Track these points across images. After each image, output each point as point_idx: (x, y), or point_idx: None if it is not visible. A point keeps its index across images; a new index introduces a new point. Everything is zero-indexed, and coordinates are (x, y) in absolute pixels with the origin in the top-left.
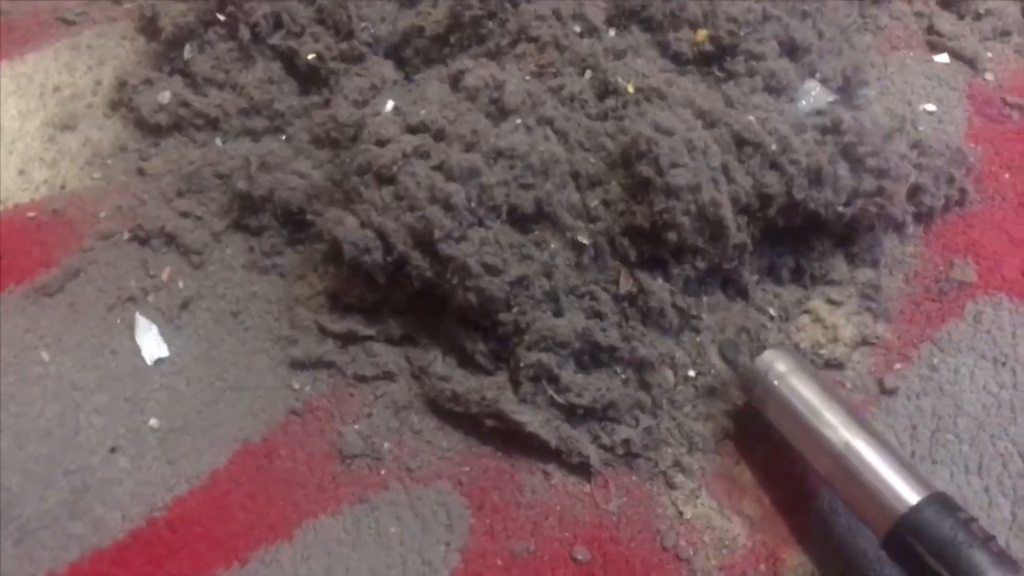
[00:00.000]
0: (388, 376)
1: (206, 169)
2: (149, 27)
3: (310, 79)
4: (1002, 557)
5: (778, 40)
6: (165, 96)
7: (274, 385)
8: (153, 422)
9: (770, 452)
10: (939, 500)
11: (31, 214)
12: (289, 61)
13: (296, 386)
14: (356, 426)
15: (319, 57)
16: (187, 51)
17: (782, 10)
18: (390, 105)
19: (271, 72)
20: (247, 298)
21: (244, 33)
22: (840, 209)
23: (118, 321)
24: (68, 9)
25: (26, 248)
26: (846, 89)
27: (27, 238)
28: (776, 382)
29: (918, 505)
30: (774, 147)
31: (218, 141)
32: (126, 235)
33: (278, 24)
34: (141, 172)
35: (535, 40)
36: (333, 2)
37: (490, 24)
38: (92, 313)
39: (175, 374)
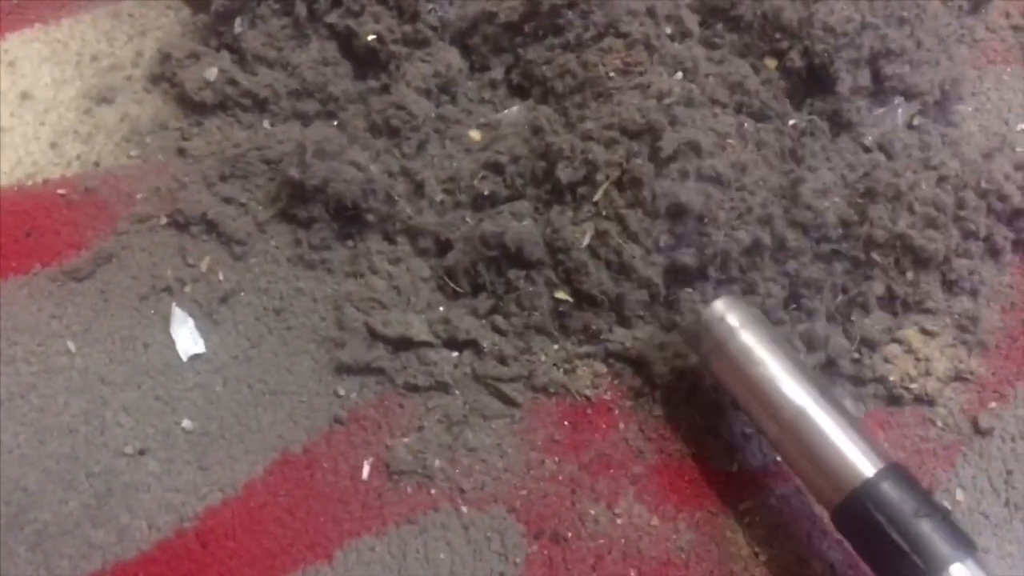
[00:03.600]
0: (442, 387)
1: (252, 153)
2: None
3: (368, 62)
4: (960, 533)
5: (873, 50)
6: (211, 72)
7: (317, 390)
8: (186, 423)
9: None
10: (896, 471)
11: (62, 191)
12: (346, 42)
13: (342, 392)
14: (405, 440)
15: (379, 39)
16: (237, 25)
17: (880, 16)
18: None
19: (326, 52)
20: (292, 294)
21: (300, 9)
22: (936, 234)
23: (151, 312)
24: None
25: (55, 227)
26: (942, 104)
27: (57, 217)
28: (727, 335)
29: (875, 475)
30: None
31: (266, 123)
32: (163, 219)
33: (336, 1)
34: (182, 152)
35: (624, 36)
36: None
37: (570, 14)
38: (124, 302)
39: (211, 372)
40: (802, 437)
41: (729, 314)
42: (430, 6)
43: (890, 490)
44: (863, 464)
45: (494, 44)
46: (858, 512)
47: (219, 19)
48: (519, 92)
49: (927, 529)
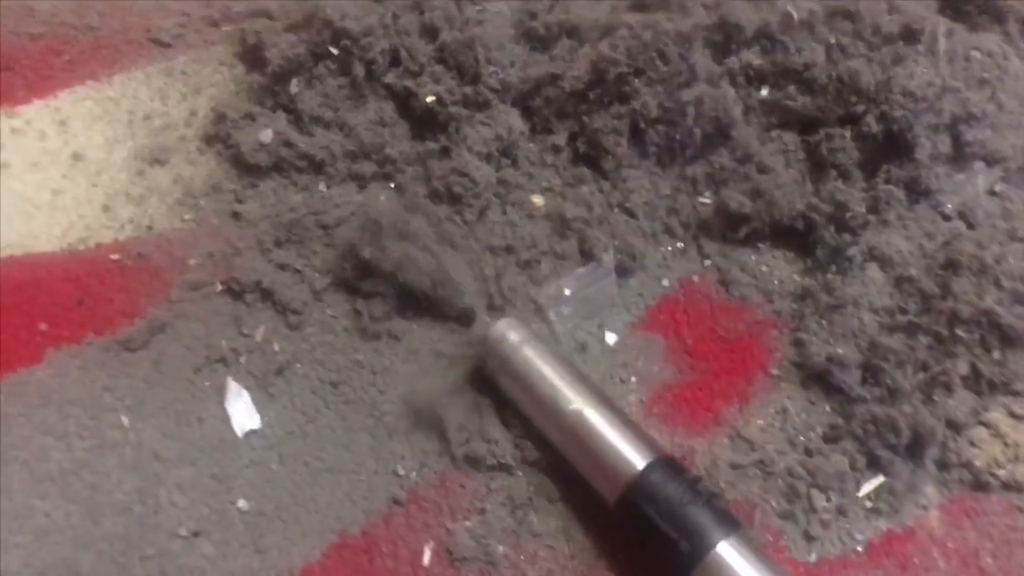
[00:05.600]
0: (505, 468)
1: (308, 218)
2: (251, 56)
3: (426, 123)
4: (725, 514)
5: (953, 115)
6: (267, 134)
7: (376, 469)
8: (241, 503)
9: None
10: (664, 463)
11: (115, 256)
12: (404, 102)
13: (401, 472)
14: (467, 523)
15: (439, 100)
16: (293, 86)
17: (960, 79)
18: None
19: (383, 113)
20: (349, 367)
21: (358, 69)
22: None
23: (206, 384)
24: (163, 29)
25: (108, 295)
26: None
27: (110, 283)
28: (510, 352)
29: (645, 469)
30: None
31: (322, 186)
32: (218, 287)
33: (395, 61)
34: (236, 216)
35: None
36: (458, 41)
37: (636, 82)
38: (178, 374)
39: (267, 449)
40: (581, 441)
41: (511, 332)
42: (492, 68)
43: (658, 482)
44: (634, 459)
45: (557, 108)
46: (632, 506)
47: (275, 79)
48: (585, 160)
49: (693, 514)
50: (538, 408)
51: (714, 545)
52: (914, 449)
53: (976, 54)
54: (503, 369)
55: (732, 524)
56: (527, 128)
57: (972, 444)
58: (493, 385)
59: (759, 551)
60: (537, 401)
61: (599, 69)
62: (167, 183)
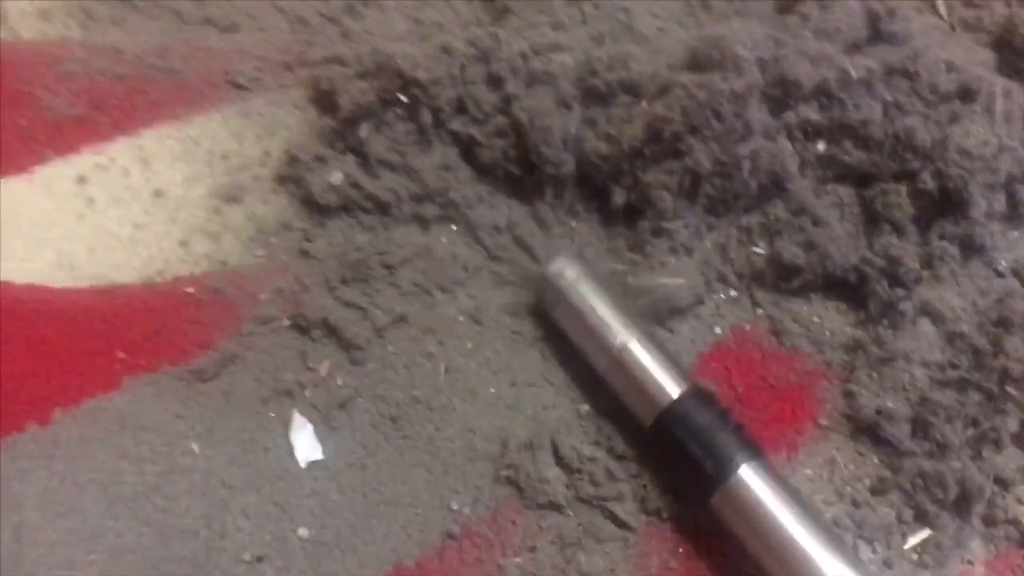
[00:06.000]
0: (555, 507)
1: (373, 257)
2: (324, 100)
3: (488, 169)
4: (750, 443)
5: (1009, 174)
6: (337, 176)
7: (431, 503)
8: (302, 532)
9: None
10: (698, 394)
11: (190, 290)
12: (468, 148)
13: (455, 507)
14: (518, 559)
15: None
16: (363, 130)
17: (1017, 138)
18: None
19: (448, 158)
20: (408, 403)
21: (425, 116)
22: None
23: (272, 415)
24: (241, 73)
25: (183, 327)
26: None
27: (185, 316)
28: (565, 287)
29: (679, 397)
30: None
31: (386, 228)
32: (286, 322)
33: (461, 109)
34: (304, 253)
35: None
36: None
37: (691, 140)
38: (246, 404)
39: (328, 480)
40: (624, 370)
41: (568, 269)
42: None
43: (690, 409)
44: (671, 388)
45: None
46: (665, 429)
47: (346, 124)
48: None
49: (720, 440)
50: (588, 339)
51: (738, 467)
52: (961, 504)
53: None
54: (559, 302)
55: (756, 451)
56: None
57: (1019, 501)
58: (551, 319)
59: (781, 478)
60: (588, 333)
61: (654, 129)
62: (241, 221)
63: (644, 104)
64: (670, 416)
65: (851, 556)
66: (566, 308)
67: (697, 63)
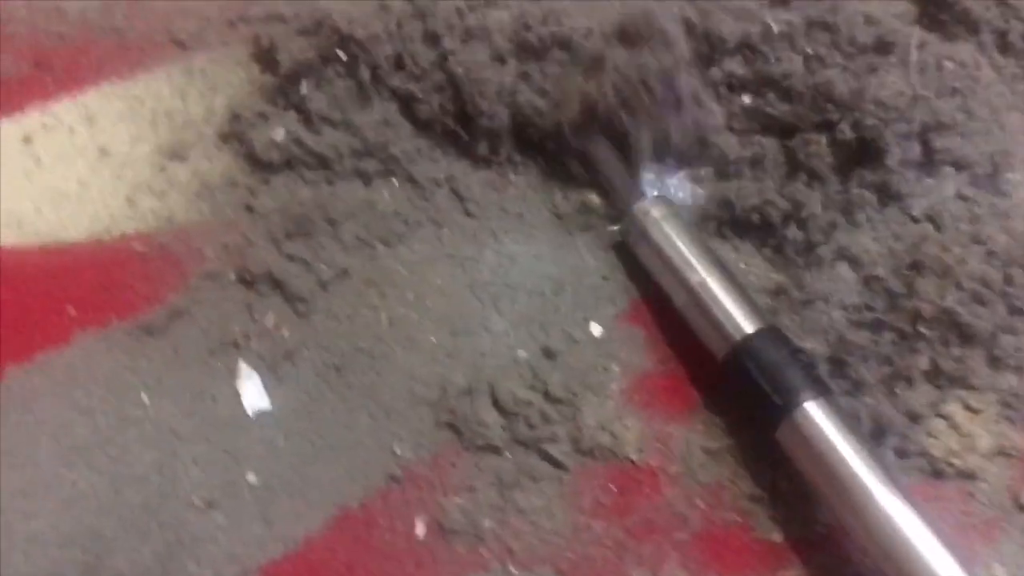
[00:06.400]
0: (493, 449)
1: (316, 213)
2: (265, 58)
3: (427, 123)
4: (818, 380)
5: (923, 123)
6: (279, 133)
7: (375, 448)
8: (251, 477)
9: None
10: (771, 331)
11: (137, 246)
12: (407, 104)
13: (398, 451)
14: (458, 499)
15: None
16: (304, 87)
17: (931, 88)
18: None
19: (388, 114)
20: (351, 353)
21: (364, 73)
22: (983, 310)
23: (220, 367)
24: (183, 30)
25: (131, 283)
26: (992, 174)
27: (133, 271)
28: (650, 226)
29: (752, 333)
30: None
31: (328, 183)
32: (232, 276)
33: (399, 65)
34: (249, 209)
35: None
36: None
37: (623, 114)
38: (194, 357)
39: (274, 427)
40: (702, 304)
41: (654, 209)
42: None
43: (761, 345)
44: (745, 324)
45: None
46: (737, 362)
47: (287, 81)
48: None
49: (788, 374)
50: (668, 275)
51: (803, 402)
52: (876, 438)
53: (949, 64)
54: (643, 240)
55: (824, 389)
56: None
57: (930, 435)
58: (633, 253)
59: (847, 417)
60: (668, 269)
61: (588, 105)
62: (186, 178)
63: (580, 80)
64: (743, 350)
65: (905, 492)
66: (649, 245)
67: (627, 36)
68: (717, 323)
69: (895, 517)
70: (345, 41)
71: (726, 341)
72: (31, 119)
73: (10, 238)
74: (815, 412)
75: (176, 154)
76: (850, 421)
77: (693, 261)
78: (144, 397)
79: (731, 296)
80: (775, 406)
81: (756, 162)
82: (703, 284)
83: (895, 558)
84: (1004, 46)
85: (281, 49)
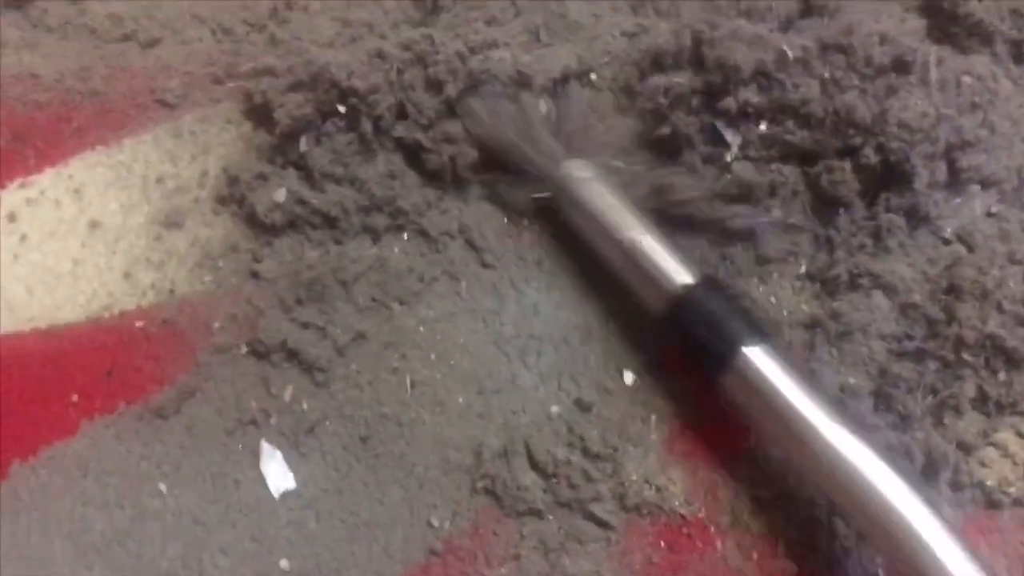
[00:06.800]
0: (535, 513)
1: (327, 275)
2: (258, 114)
3: (435, 174)
4: (756, 325)
5: (948, 143)
6: (280, 193)
7: (410, 521)
8: (283, 563)
9: None
10: (708, 281)
11: (139, 323)
12: (413, 154)
13: (435, 523)
14: (503, 569)
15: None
16: (303, 144)
17: (953, 106)
18: None
19: (393, 166)
20: (377, 420)
21: (366, 125)
22: None
23: (239, 447)
24: (168, 90)
25: (136, 364)
26: (1019, 189)
27: (137, 351)
28: (580, 186)
29: (688, 285)
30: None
31: (336, 242)
32: (243, 349)
33: (402, 114)
34: (255, 275)
35: None
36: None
37: None
38: (211, 438)
39: (303, 508)
40: (637, 261)
41: (582, 170)
42: None
43: (699, 296)
44: (682, 277)
45: None
46: (677, 316)
47: (284, 138)
48: None
49: (728, 323)
50: (601, 234)
51: (744, 347)
52: (928, 473)
53: (967, 79)
54: (573, 202)
55: (763, 335)
56: None
57: (983, 464)
58: (563, 220)
59: (789, 358)
60: (601, 228)
61: None
62: (185, 246)
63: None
64: (680, 303)
65: (854, 423)
66: (580, 206)
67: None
68: (652, 278)
69: (841, 448)
70: (344, 94)
71: (663, 295)
72: (13, 195)
73: (3, 324)
74: (757, 357)
75: (172, 222)
76: (794, 364)
77: (627, 218)
78: (162, 486)
79: (667, 250)
80: (718, 355)
81: (774, 190)
82: (637, 241)
83: (844, 488)
84: (1019, 56)
85: (276, 105)
